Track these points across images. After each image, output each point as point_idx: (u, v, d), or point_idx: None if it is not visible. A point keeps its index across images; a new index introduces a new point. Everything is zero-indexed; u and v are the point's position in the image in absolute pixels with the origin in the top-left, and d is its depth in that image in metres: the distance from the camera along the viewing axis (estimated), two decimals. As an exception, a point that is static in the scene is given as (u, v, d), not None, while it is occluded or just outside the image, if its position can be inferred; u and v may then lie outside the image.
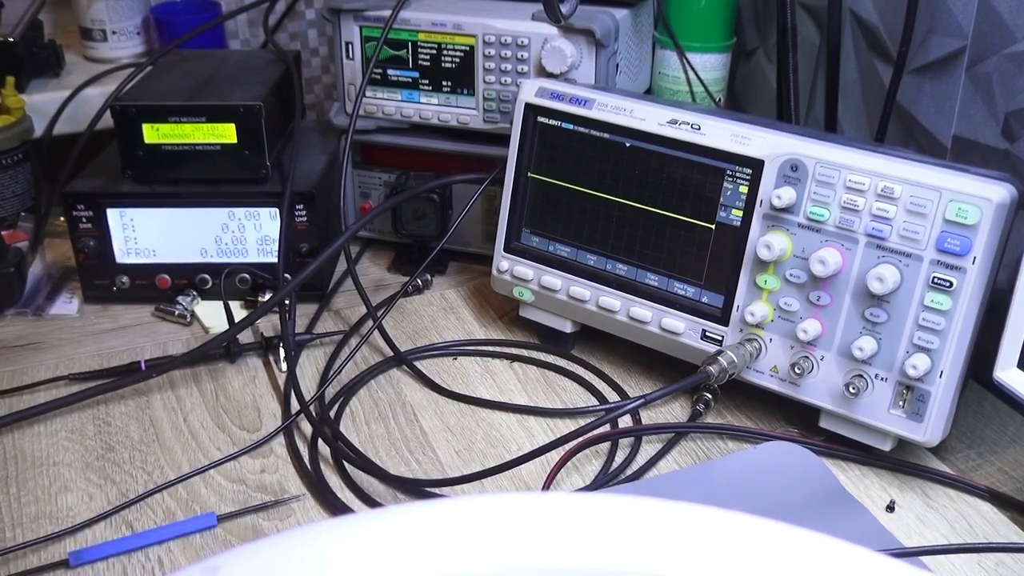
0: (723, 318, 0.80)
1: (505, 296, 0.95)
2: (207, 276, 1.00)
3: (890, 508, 0.74)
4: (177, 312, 0.99)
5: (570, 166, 0.87)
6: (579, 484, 0.77)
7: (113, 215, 0.98)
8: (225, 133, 0.96)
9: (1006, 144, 0.84)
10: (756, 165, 0.77)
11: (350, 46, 1.01)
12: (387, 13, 0.97)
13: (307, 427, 0.83)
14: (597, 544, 0.23)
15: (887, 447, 0.76)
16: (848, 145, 0.75)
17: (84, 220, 0.98)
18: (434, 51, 0.99)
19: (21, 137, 1.09)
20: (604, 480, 0.77)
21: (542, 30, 0.95)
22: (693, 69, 1.05)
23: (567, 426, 0.83)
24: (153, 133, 0.96)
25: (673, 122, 0.81)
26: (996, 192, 0.68)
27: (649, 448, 0.81)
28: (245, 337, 0.92)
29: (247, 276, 1.00)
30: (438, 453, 0.80)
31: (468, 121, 1.01)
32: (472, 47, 0.98)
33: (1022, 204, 0.72)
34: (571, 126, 0.86)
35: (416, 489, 0.76)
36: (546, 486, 0.74)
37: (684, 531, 0.23)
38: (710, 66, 1.06)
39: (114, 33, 1.27)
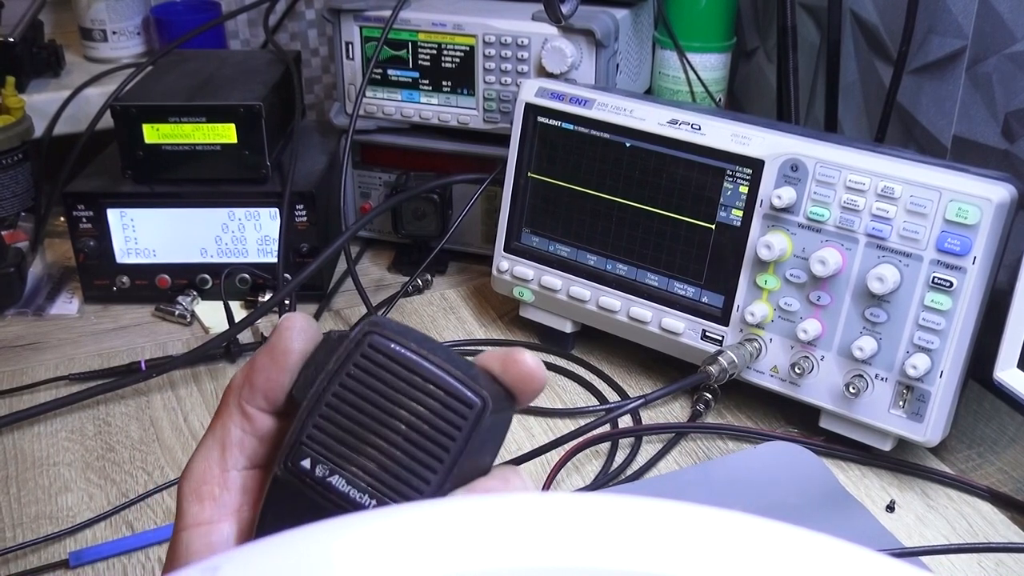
0: (723, 318, 0.80)
1: (505, 296, 0.95)
2: (207, 276, 1.00)
3: (890, 508, 0.74)
4: (177, 312, 0.99)
5: (570, 166, 0.87)
6: (579, 484, 0.77)
7: (113, 215, 0.98)
8: (225, 133, 0.96)
9: (1006, 144, 0.84)
10: (756, 165, 0.77)
11: (350, 46, 1.01)
12: (387, 13, 0.97)
13: (307, 427, 0.83)
14: (597, 544, 0.23)
15: (887, 447, 0.76)
16: (848, 145, 0.75)
17: (84, 220, 0.98)
18: (434, 51, 0.99)
19: (21, 137, 1.09)
20: (604, 480, 0.77)
21: (542, 30, 0.95)
22: (693, 69, 1.05)
23: (567, 426, 0.83)
24: (153, 133, 0.96)
25: (673, 122, 0.81)
26: (996, 192, 0.68)
27: (649, 448, 0.81)
28: (245, 337, 0.92)
29: (247, 276, 1.00)
30: (438, 453, 0.80)
31: (468, 121, 1.01)
32: (472, 47, 0.98)
33: (1022, 204, 0.72)
34: (571, 126, 0.86)
35: (416, 489, 0.76)
36: (546, 486, 0.74)
37: (684, 531, 0.23)
38: (710, 66, 1.06)
39: (114, 33, 1.27)
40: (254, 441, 0.37)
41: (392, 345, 0.34)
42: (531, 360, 0.35)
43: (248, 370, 0.37)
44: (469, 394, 0.33)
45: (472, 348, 0.94)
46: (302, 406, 0.35)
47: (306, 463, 0.34)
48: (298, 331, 0.36)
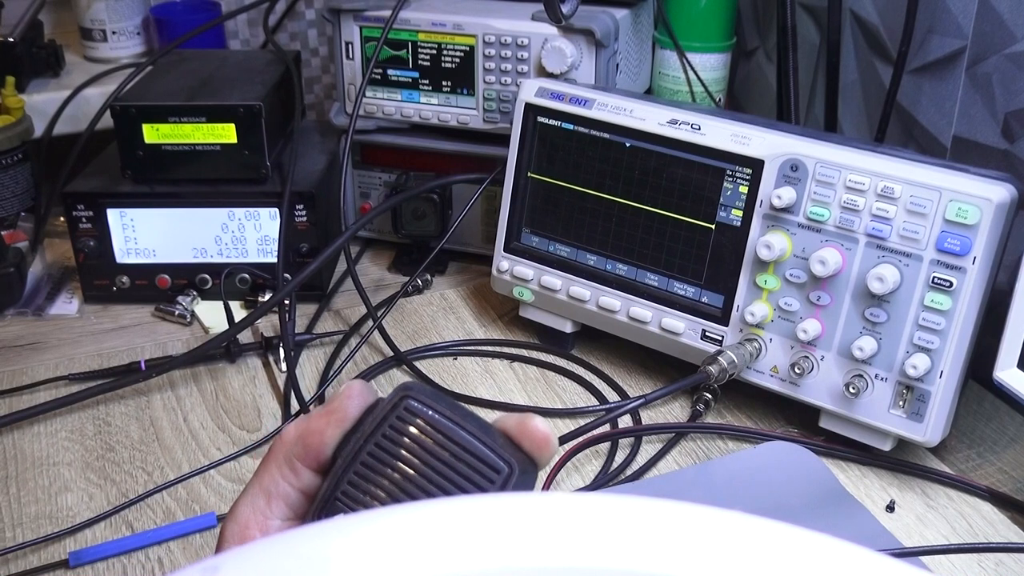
0: (723, 318, 0.80)
1: (505, 296, 0.95)
2: (207, 276, 1.00)
3: (890, 508, 0.74)
4: (177, 312, 0.99)
5: (570, 166, 0.87)
6: (579, 484, 0.77)
7: (113, 215, 0.98)
8: (225, 133, 0.96)
9: (1006, 144, 0.84)
10: (756, 165, 0.77)
11: (350, 46, 1.01)
12: (387, 13, 0.97)
13: (307, 427, 0.83)
14: (597, 544, 0.23)
15: (887, 447, 0.76)
16: (848, 145, 0.75)
17: (84, 220, 0.98)
18: (434, 51, 0.99)
19: (21, 137, 1.09)
20: (604, 480, 0.77)
21: (542, 30, 0.95)
22: (693, 69, 1.05)
23: (567, 426, 0.83)
24: (153, 133, 0.96)
25: (673, 122, 0.81)
26: (996, 192, 0.68)
27: (649, 448, 0.81)
28: (245, 337, 0.92)
29: (247, 276, 1.00)
30: (438, 453, 0.80)
31: (468, 121, 1.01)
32: (472, 47, 0.98)
33: (1022, 204, 0.72)
34: (571, 126, 0.86)
35: (416, 489, 0.76)
36: (546, 486, 0.74)
37: (684, 531, 0.23)
38: (710, 66, 1.06)
39: (114, 33, 1.27)
40: (298, 495, 0.39)
41: (426, 410, 0.36)
42: (543, 427, 0.37)
43: (303, 430, 0.39)
44: (498, 460, 0.36)
45: (472, 348, 0.94)
46: (337, 463, 0.37)
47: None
48: (357, 399, 0.38)
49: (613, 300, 0.86)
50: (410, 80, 1.02)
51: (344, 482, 0.36)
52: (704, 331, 0.81)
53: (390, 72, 1.02)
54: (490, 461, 0.36)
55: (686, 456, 0.80)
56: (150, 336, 0.97)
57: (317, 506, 0.37)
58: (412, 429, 0.36)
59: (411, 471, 0.36)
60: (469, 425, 0.36)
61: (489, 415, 0.85)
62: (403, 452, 0.36)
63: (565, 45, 0.93)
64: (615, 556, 0.23)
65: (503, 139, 0.94)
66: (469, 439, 0.36)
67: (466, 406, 0.38)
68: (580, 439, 0.76)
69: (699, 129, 0.80)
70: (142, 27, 1.29)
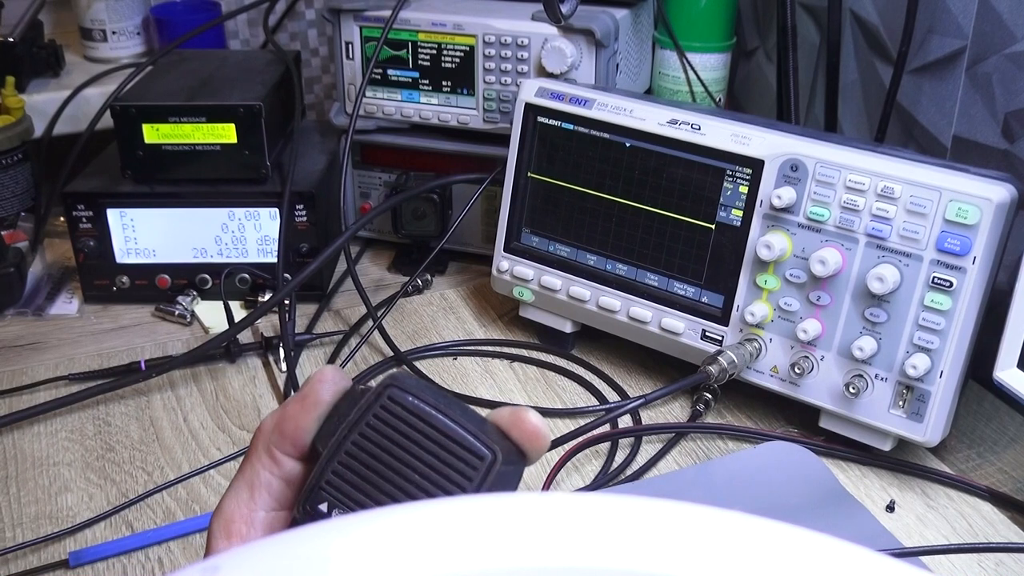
0: (723, 318, 0.80)
1: (505, 296, 0.95)
2: (207, 276, 1.00)
3: (890, 508, 0.74)
4: (177, 312, 0.99)
5: (570, 166, 0.87)
6: (579, 484, 0.77)
7: (113, 215, 0.98)
8: (225, 133, 0.96)
9: (1006, 144, 0.84)
10: (756, 165, 0.77)
11: (350, 46, 1.01)
12: (387, 13, 0.97)
13: (307, 427, 0.83)
14: (597, 544, 0.23)
15: (887, 447, 0.76)
16: (848, 145, 0.75)
17: (84, 220, 0.98)
18: (434, 51, 0.99)
19: (21, 137, 1.09)
20: (604, 480, 0.77)
21: (542, 30, 0.95)
22: (693, 69, 1.05)
23: (567, 426, 0.83)
24: (153, 133, 0.96)
25: (673, 122, 0.81)
26: (996, 192, 0.68)
27: (649, 448, 0.81)
28: (245, 337, 0.92)
29: (247, 276, 1.00)
30: (438, 453, 0.80)
31: (468, 121, 1.01)
32: (472, 47, 0.98)
33: (1022, 204, 0.72)
34: (571, 126, 0.86)
35: (416, 489, 0.76)
36: (546, 486, 0.74)
37: (684, 531, 0.23)
38: (710, 66, 1.06)
39: (114, 33, 1.27)
40: (281, 484, 0.39)
41: (410, 399, 0.36)
42: (535, 419, 0.37)
43: (279, 417, 0.39)
44: (481, 447, 0.36)
45: (472, 348, 0.94)
46: (323, 453, 0.37)
47: (323, 506, 0.37)
48: (329, 383, 0.38)
49: (613, 300, 0.86)
50: (410, 80, 1.02)
51: (328, 471, 0.37)
52: (704, 331, 0.81)
53: (390, 72, 1.02)
54: (473, 448, 0.36)
55: (686, 456, 0.80)
56: (150, 336, 0.97)
57: (303, 496, 0.37)
58: (394, 417, 0.36)
59: (392, 459, 0.36)
60: (453, 412, 0.36)
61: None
62: (384, 440, 0.36)
63: (565, 45, 0.93)
64: (615, 556, 0.23)
65: (503, 139, 0.94)
66: (451, 425, 0.36)
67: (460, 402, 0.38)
68: (580, 439, 0.76)
69: (699, 129, 0.80)
70: (142, 27, 1.29)
